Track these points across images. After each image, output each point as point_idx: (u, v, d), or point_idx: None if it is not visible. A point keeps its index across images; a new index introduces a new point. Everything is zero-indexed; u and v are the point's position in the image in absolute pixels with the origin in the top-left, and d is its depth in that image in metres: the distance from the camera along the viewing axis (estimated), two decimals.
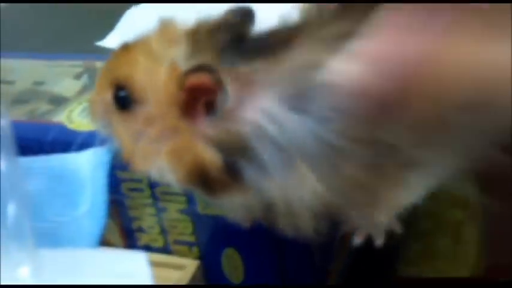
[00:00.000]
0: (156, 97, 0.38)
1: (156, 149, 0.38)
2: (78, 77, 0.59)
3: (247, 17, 0.40)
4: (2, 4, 0.73)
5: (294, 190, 0.36)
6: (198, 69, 0.36)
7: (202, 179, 0.38)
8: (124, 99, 0.39)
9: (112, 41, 0.66)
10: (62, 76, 0.60)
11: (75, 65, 0.61)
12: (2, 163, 0.33)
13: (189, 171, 0.38)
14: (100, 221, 0.44)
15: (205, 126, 0.37)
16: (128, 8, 0.61)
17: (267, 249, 0.52)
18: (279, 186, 0.37)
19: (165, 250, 0.55)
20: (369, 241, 0.46)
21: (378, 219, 0.41)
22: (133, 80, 0.39)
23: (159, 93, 0.38)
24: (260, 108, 0.36)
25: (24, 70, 0.62)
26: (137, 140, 0.39)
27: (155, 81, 0.38)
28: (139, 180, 0.53)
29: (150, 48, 0.39)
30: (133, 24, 0.62)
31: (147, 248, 0.55)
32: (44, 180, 0.41)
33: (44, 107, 0.56)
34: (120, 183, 0.52)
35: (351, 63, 0.34)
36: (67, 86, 0.58)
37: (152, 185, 0.53)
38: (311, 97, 0.35)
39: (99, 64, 0.60)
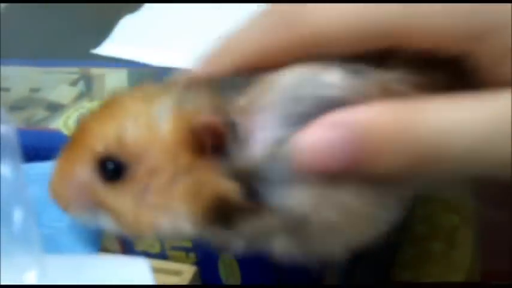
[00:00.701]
0: (158, 148, 0.36)
1: (169, 196, 0.37)
2: (74, 83, 0.60)
3: None
4: None
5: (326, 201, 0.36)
6: (208, 110, 0.36)
7: (223, 211, 0.37)
8: (114, 170, 0.36)
9: (108, 48, 0.67)
10: (58, 83, 0.60)
11: (71, 71, 0.61)
12: (7, 169, 0.33)
13: (209, 205, 0.37)
14: (98, 227, 0.44)
15: (218, 161, 0.36)
16: (124, 16, 0.62)
17: (264, 255, 0.52)
18: (308, 200, 0.36)
19: (162, 256, 0.55)
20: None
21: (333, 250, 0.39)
22: (125, 142, 0.36)
23: (160, 143, 0.36)
24: (265, 133, 0.36)
25: (20, 77, 0.62)
26: (141, 200, 0.37)
27: (152, 133, 0.36)
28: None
29: (133, 104, 0.37)
30: (129, 32, 0.62)
31: (144, 254, 0.55)
32: (42, 186, 0.41)
33: (40, 113, 0.56)
34: None
35: None
36: (63, 92, 0.58)
37: None
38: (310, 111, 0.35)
39: (95, 71, 0.60)
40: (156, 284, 0.39)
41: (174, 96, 0.37)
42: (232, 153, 0.36)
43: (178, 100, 0.36)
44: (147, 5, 0.63)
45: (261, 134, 0.36)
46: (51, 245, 0.42)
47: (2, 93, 0.59)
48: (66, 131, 0.53)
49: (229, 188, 0.36)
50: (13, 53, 0.66)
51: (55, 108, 0.57)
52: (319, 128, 0.33)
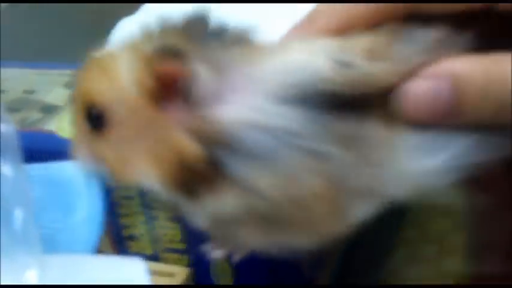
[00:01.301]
0: (125, 95, 0.36)
1: (137, 151, 0.36)
2: (68, 85, 0.60)
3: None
4: None
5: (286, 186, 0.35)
6: (165, 53, 0.35)
7: (185, 176, 0.36)
8: (97, 117, 0.37)
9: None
10: (53, 85, 0.60)
11: (65, 74, 0.61)
12: (8, 169, 0.33)
13: (171, 167, 0.35)
14: (96, 228, 0.45)
15: (182, 115, 0.35)
16: (121, 18, 0.62)
17: (257, 257, 0.52)
18: (274, 180, 0.35)
19: (155, 258, 0.55)
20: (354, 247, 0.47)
21: (299, 241, 0.38)
22: (100, 89, 0.37)
23: (127, 89, 0.36)
24: (245, 98, 0.35)
25: (15, 79, 0.62)
26: (118, 150, 0.37)
27: (120, 80, 0.36)
28: (130, 188, 0.53)
29: (110, 57, 0.37)
30: (126, 34, 0.62)
31: (137, 256, 0.55)
32: (41, 187, 0.41)
33: (35, 115, 0.56)
34: (111, 191, 0.53)
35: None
36: (58, 94, 0.59)
37: (143, 193, 0.53)
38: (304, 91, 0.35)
39: None
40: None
41: (144, 45, 0.36)
42: (198, 110, 0.35)
43: (146, 48, 0.36)
44: (144, 7, 0.63)
45: (238, 98, 0.35)
46: (49, 245, 0.42)
47: None
48: (60, 133, 0.54)
49: (191, 149, 0.35)
50: (8, 55, 0.66)
51: (50, 110, 0.57)
52: (423, 79, 0.35)
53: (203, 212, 0.37)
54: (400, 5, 0.38)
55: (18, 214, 0.33)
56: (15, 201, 0.33)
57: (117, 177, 0.38)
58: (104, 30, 0.63)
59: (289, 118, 0.35)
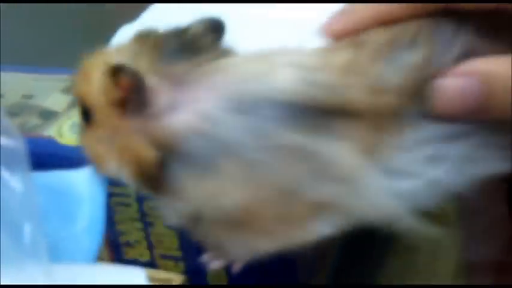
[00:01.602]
0: (99, 102, 0.40)
1: (109, 149, 0.40)
2: (66, 91, 0.60)
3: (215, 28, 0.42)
4: None
5: (219, 196, 0.37)
6: (115, 70, 0.38)
7: (144, 177, 0.39)
8: (85, 113, 0.42)
9: None
10: (51, 90, 0.60)
11: (63, 79, 0.62)
12: (17, 182, 0.34)
13: (132, 167, 0.39)
14: (97, 236, 0.45)
15: (140, 122, 0.38)
16: (122, 24, 0.62)
17: (252, 264, 0.53)
18: (205, 191, 0.38)
19: (151, 264, 0.56)
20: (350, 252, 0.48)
21: (260, 246, 0.40)
22: (84, 92, 0.41)
23: (101, 98, 0.40)
24: (197, 108, 0.37)
25: (13, 83, 0.62)
26: (95, 145, 0.41)
27: (97, 89, 0.40)
28: (127, 195, 0.54)
29: (99, 60, 0.41)
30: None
31: (134, 263, 0.56)
32: (42, 196, 0.41)
33: (33, 120, 0.57)
34: (109, 197, 0.53)
35: None
36: (56, 100, 0.59)
37: (140, 200, 0.54)
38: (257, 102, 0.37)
39: None
40: None
41: (113, 57, 0.40)
42: (152, 119, 0.38)
43: (112, 62, 0.39)
44: (144, 14, 0.63)
45: (191, 107, 0.37)
46: (51, 254, 0.42)
47: None
48: (60, 139, 0.54)
49: (145, 153, 0.38)
50: (6, 60, 0.66)
51: (48, 115, 0.57)
52: (454, 77, 0.37)
53: (170, 209, 0.40)
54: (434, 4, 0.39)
55: (27, 227, 0.33)
56: (24, 214, 0.34)
57: (99, 167, 0.42)
58: (103, 35, 0.63)
59: (233, 127, 0.37)
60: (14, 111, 0.58)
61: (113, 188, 0.53)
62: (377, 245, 0.53)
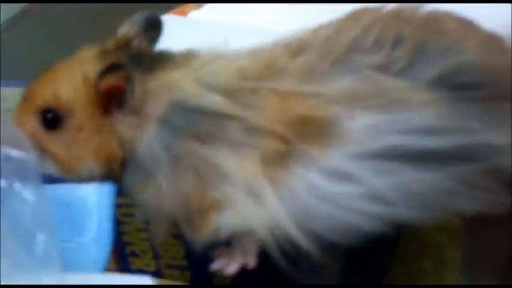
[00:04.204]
0: (80, 106, 0.43)
1: (87, 150, 0.43)
2: None
3: (151, 26, 0.46)
4: None
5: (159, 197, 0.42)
6: (108, 69, 0.41)
7: (112, 174, 0.43)
8: (52, 120, 0.43)
9: None
10: None
11: None
12: (29, 194, 0.35)
13: (105, 165, 0.43)
14: (105, 247, 0.46)
15: (117, 122, 0.42)
16: None
17: (257, 273, 0.53)
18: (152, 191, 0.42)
19: (157, 274, 0.56)
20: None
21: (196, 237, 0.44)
22: (59, 99, 0.43)
23: (82, 102, 0.43)
24: (154, 115, 0.42)
25: (11, 99, 0.62)
26: (70, 148, 0.43)
27: (77, 94, 0.43)
28: (133, 206, 0.54)
29: (66, 69, 0.44)
30: None
31: (140, 272, 0.56)
32: (52, 208, 0.42)
33: None
34: (115, 208, 0.54)
35: None
36: None
37: None
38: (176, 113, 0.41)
39: None
40: None
41: (88, 65, 0.43)
42: (127, 118, 0.42)
43: (89, 68, 0.43)
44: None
45: (150, 114, 0.41)
46: (61, 265, 0.43)
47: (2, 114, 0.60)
48: None
49: (114, 151, 0.42)
50: (13, 74, 0.66)
51: None
52: None
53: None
54: None
55: (40, 237, 0.34)
56: (37, 224, 0.34)
57: (62, 171, 0.43)
58: None
59: (157, 134, 0.41)
60: None
61: (118, 199, 0.53)
62: (381, 251, 0.53)
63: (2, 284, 0.35)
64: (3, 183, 0.36)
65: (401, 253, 0.53)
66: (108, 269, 0.57)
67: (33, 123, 0.44)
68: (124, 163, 0.43)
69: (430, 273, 0.52)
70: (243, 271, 0.48)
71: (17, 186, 0.36)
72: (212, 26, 0.65)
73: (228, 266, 0.45)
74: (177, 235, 0.53)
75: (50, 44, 0.72)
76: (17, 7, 0.85)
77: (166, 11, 0.70)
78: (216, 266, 0.45)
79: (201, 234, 0.43)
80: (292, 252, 0.42)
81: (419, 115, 0.40)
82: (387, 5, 0.45)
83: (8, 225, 0.34)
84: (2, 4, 0.85)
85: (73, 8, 0.85)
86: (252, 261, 0.44)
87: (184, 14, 0.72)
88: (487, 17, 0.45)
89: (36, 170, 0.36)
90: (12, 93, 0.63)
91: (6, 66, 0.68)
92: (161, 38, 0.47)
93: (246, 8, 0.71)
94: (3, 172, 0.36)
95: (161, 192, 0.42)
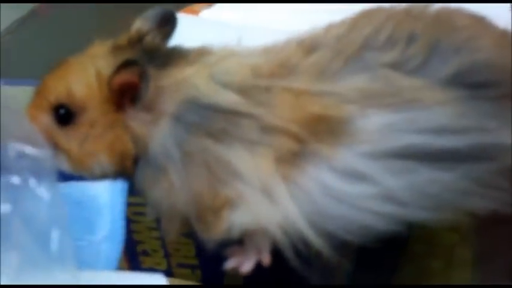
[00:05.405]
0: (93, 102, 0.43)
1: (100, 145, 0.43)
2: None
3: (165, 22, 0.46)
4: (3, 33, 0.74)
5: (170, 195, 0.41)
6: (123, 65, 0.41)
7: (125, 170, 0.43)
8: (65, 116, 0.43)
9: None
10: None
11: None
12: (44, 191, 0.35)
13: (117, 161, 0.43)
14: (117, 245, 0.46)
15: (131, 118, 0.42)
16: None
17: (268, 272, 0.53)
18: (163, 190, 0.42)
19: (168, 273, 0.56)
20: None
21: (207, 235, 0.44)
22: (72, 95, 0.43)
23: (95, 98, 0.43)
24: (167, 112, 0.41)
25: (24, 97, 0.62)
26: (83, 144, 0.43)
27: (90, 90, 0.43)
28: (144, 204, 0.54)
29: (78, 65, 0.44)
30: None
31: (151, 271, 0.56)
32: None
33: None
34: (126, 207, 0.54)
35: None
36: None
37: None
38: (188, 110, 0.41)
39: None
40: None
41: (101, 61, 0.43)
42: (140, 114, 0.42)
43: (102, 64, 0.43)
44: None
45: (162, 111, 0.41)
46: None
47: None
48: None
49: (127, 147, 0.42)
50: (17, 73, 0.67)
51: None
52: None
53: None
54: None
55: (54, 234, 0.34)
56: (52, 221, 0.35)
57: (74, 166, 0.43)
58: None
59: (170, 131, 0.41)
60: None
61: (129, 197, 0.53)
62: (392, 251, 0.53)
63: (4, 284, 0.35)
64: (18, 180, 0.36)
65: (412, 252, 0.53)
66: (118, 268, 0.57)
67: (46, 119, 0.44)
68: (136, 160, 0.43)
69: (441, 273, 0.52)
70: (254, 270, 0.49)
71: (32, 183, 0.36)
72: (223, 25, 0.65)
73: (242, 264, 0.44)
74: (189, 234, 0.53)
75: (59, 44, 0.73)
76: (27, 7, 0.86)
77: (176, 10, 0.70)
78: (230, 264, 0.45)
79: (213, 233, 0.42)
80: (303, 252, 0.42)
81: (435, 114, 0.40)
82: (398, 5, 0.45)
83: (22, 222, 0.34)
84: (11, 4, 0.85)
85: (82, 9, 0.85)
86: (266, 258, 0.44)
87: (194, 13, 0.72)
88: (486, 17, 0.45)
89: (51, 167, 0.36)
90: (22, 92, 0.63)
91: (16, 65, 0.68)
92: (172, 37, 0.47)
93: (256, 7, 0.71)
94: (17, 169, 0.36)
95: (173, 190, 0.41)
